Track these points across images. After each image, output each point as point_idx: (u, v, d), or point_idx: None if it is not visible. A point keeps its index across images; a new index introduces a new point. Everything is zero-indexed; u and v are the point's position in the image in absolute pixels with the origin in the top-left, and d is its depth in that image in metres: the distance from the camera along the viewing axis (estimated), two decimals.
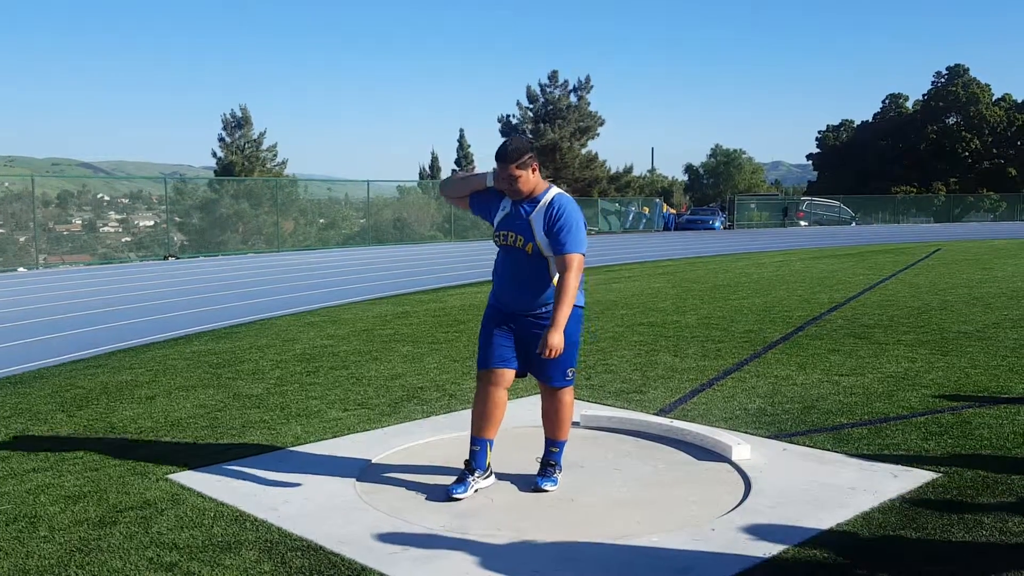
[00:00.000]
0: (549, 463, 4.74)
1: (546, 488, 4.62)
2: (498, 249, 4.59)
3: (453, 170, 45.70)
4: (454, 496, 4.44)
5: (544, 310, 4.44)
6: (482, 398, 4.55)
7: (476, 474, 4.56)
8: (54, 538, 4.01)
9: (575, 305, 4.49)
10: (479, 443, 4.58)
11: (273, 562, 3.71)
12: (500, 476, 4.79)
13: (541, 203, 4.41)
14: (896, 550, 3.75)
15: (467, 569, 3.63)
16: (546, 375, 4.56)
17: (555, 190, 4.48)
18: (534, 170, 4.41)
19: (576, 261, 4.29)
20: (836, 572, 3.56)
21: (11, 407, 6.68)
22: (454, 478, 4.59)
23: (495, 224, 4.55)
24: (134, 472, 4.97)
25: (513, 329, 4.49)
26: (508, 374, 4.54)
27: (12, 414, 6.46)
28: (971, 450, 5.14)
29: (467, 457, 4.61)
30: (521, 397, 6.48)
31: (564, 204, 4.39)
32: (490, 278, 4.71)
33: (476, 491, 4.53)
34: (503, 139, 4.44)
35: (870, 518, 4.11)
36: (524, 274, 4.43)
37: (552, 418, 4.69)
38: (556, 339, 4.21)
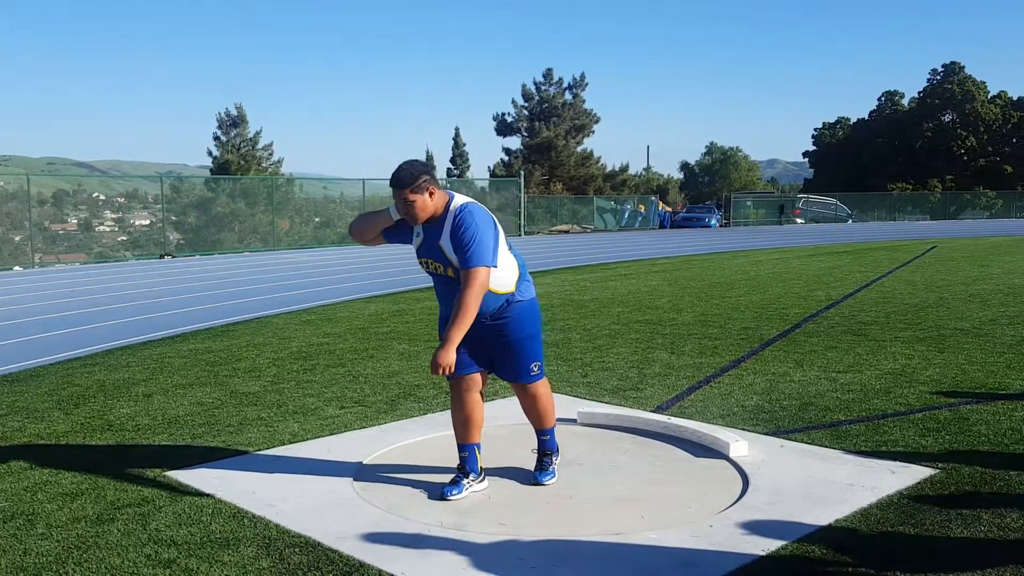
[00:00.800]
0: (544, 452, 4.74)
1: (545, 482, 4.63)
2: (432, 281, 4.54)
3: (447, 168, 45.68)
4: (448, 497, 4.43)
5: (492, 314, 4.38)
6: (458, 406, 4.55)
7: (471, 477, 4.56)
8: (52, 535, 4.00)
9: (526, 299, 4.47)
10: (467, 449, 4.57)
11: (271, 558, 3.70)
12: (497, 473, 4.80)
13: (446, 223, 4.25)
14: (894, 546, 3.75)
15: (465, 565, 3.63)
16: (511, 374, 4.55)
17: (458, 202, 4.31)
18: (431, 193, 4.23)
19: (477, 276, 4.13)
20: (834, 568, 3.56)
21: (8, 405, 6.67)
22: (449, 478, 4.59)
23: (416, 251, 4.44)
24: (131, 469, 4.96)
25: (470, 335, 4.33)
26: (477, 378, 4.52)
27: (9, 412, 6.44)
28: (969, 446, 5.14)
29: (459, 463, 4.61)
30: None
31: (464, 217, 4.22)
32: None
33: (471, 493, 4.52)
34: (396, 172, 4.27)
35: (868, 514, 4.11)
36: (453, 294, 4.32)
37: (532, 412, 4.69)
38: (443, 357, 4.09)
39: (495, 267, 4.22)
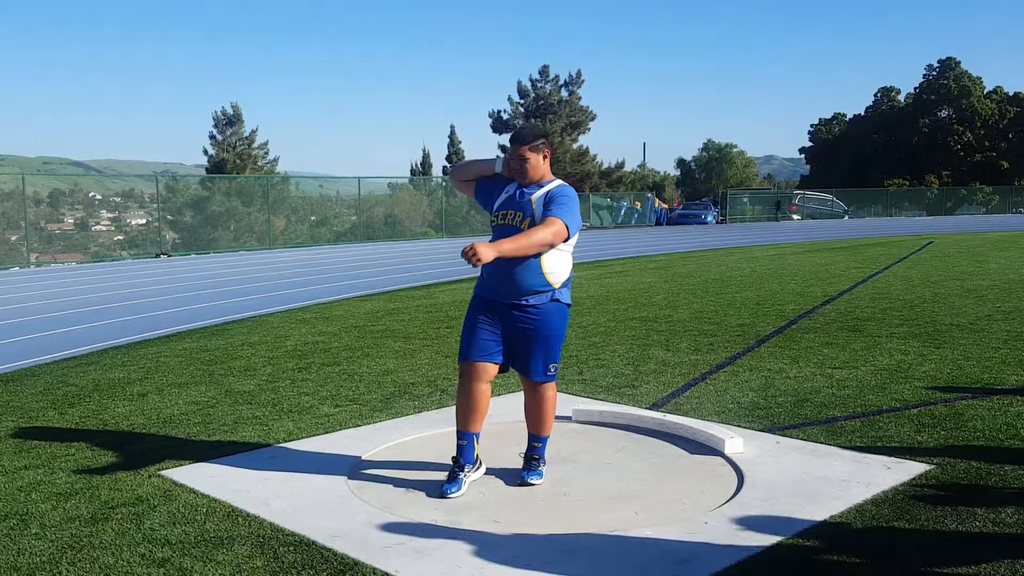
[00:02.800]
0: (533, 457, 4.73)
1: (532, 482, 4.62)
2: (492, 234, 4.55)
3: (444, 166, 45.66)
4: (449, 495, 4.40)
5: (531, 300, 4.39)
6: (465, 392, 4.50)
7: (466, 469, 4.54)
8: (46, 535, 3.99)
9: (563, 302, 4.48)
10: (466, 437, 4.55)
11: (265, 557, 3.69)
12: (492, 471, 4.79)
13: (545, 188, 4.43)
14: (889, 542, 3.75)
15: (460, 563, 3.62)
16: (528, 369, 4.53)
17: (561, 181, 4.51)
18: (545, 156, 4.44)
19: (557, 224, 4.25)
20: (829, 564, 3.56)
21: (2, 405, 6.65)
22: (445, 474, 4.57)
23: (495, 207, 4.52)
24: (126, 469, 4.95)
25: (498, 322, 4.45)
26: (491, 368, 4.49)
27: (3, 412, 6.43)
28: (964, 442, 5.14)
29: (454, 453, 4.58)
30: (513, 392, 6.48)
31: (565, 189, 4.44)
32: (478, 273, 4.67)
33: (469, 485, 4.51)
34: (516, 128, 4.48)
35: (863, 510, 4.11)
36: (515, 257, 4.30)
37: (534, 413, 4.67)
38: (484, 252, 4.00)
39: (571, 237, 4.34)
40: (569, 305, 4.57)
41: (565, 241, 4.34)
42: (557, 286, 4.44)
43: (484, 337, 4.45)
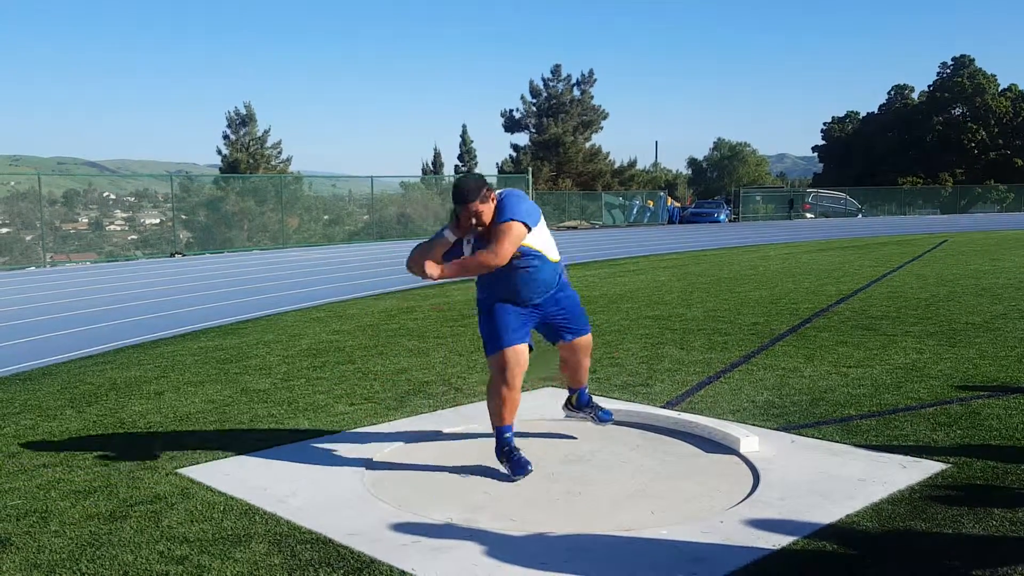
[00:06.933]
0: (587, 404, 5.25)
1: (608, 420, 5.29)
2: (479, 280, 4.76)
3: (455, 165, 45.67)
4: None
5: (557, 287, 4.71)
6: (510, 383, 4.61)
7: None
8: (65, 532, 4.02)
9: (562, 272, 4.75)
10: (508, 430, 4.70)
11: (283, 555, 3.72)
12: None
13: (494, 219, 4.51)
14: (906, 541, 3.74)
15: (476, 561, 3.63)
16: (578, 331, 4.90)
17: (494, 199, 4.54)
18: (492, 199, 4.49)
19: (501, 231, 4.39)
20: (845, 563, 3.56)
21: (20, 403, 6.71)
22: (459, 475, 4.65)
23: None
24: (144, 467, 4.98)
25: (526, 311, 4.68)
26: (526, 351, 4.69)
27: (22, 410, 6.48)
28: (980, 441, 5.13)
29: (500, 448, 4.71)
30: (524, 391, 6.48)
31: (504, 201, 4.50)
32: None
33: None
34: (456, 186, 4.57)
35: (879, 509, 4.10)
36: (519, 276, 4.58)
37: (582, 365, 5.09)
38: (431, 269, 4.48)
39: (529, 224, 4.46)
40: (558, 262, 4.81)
41: (528, 229, 4.49)
42: (559, 259, 4.75)
43: (516, 323, 4.63)
